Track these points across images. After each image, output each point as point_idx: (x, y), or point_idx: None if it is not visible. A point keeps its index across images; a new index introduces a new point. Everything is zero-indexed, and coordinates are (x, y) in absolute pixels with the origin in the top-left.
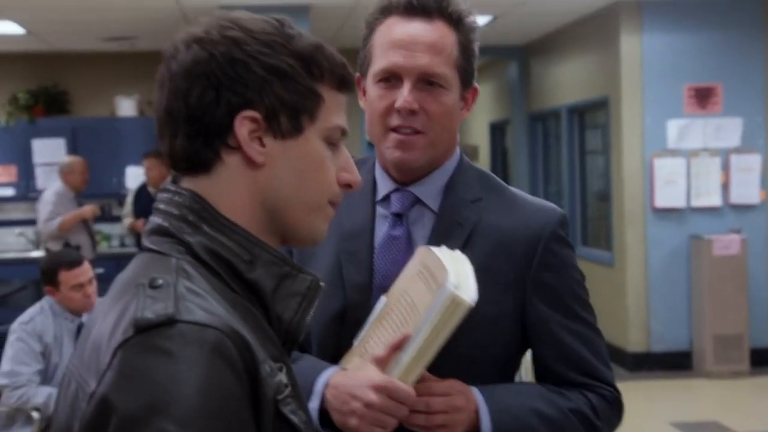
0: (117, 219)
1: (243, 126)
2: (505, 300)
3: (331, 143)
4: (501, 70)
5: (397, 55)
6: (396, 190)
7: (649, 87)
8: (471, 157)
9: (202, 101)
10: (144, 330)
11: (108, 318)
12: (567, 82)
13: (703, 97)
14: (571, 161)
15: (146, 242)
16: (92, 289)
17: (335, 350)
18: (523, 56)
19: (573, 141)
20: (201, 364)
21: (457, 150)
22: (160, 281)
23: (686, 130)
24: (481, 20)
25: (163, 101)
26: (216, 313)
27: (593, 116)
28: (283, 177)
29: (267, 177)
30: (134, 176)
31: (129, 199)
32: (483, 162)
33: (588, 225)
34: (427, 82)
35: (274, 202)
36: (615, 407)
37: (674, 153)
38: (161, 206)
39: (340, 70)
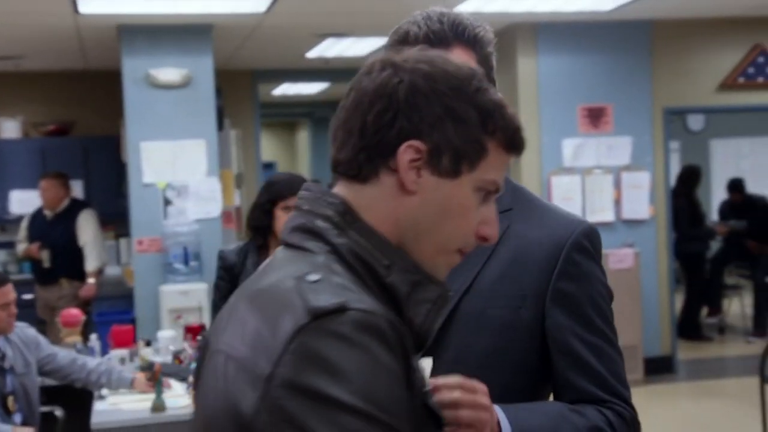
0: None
1: (406, 153)
2: (524, 306)
3: (483, 196)
4: None
5: None
6: None
7: (545, 107)
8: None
9: (378, 120)
10: (319, 317)
11: (264, 306)
12: None
13: (595, 116)
14: None
15: (289, 238)
16: (14, 309)
17: None
18: None
19: None
20: (372, 348)
21: None
22: (316, 276)
23: (581, 149)
24: (378, 43)
25: (345, 111)
26: (372, 304)
27: None
28: (427, 211)
29: (413, 206)
30: (19, 201)
31: (23, 224)
32: None
33: None
34: None
35: (411, 231)
36: (632, 427)
37: (570, 171)
38: (305, 206)
39: (512, 133)
